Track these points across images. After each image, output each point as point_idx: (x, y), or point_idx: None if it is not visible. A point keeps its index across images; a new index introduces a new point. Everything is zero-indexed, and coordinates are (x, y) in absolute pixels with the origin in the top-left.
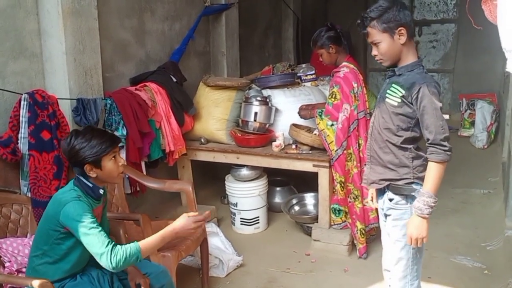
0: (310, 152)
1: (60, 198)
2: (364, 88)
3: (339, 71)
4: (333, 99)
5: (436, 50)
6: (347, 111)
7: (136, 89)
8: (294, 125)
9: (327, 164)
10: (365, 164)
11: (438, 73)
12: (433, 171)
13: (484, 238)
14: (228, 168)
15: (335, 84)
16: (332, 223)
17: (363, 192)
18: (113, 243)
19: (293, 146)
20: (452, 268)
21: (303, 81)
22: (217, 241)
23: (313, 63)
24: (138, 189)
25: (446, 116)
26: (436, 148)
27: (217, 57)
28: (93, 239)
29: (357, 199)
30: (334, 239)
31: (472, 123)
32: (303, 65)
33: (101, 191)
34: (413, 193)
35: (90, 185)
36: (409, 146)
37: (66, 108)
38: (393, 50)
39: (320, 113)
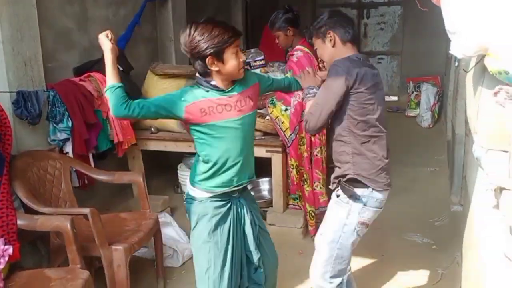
0: (263, 137)
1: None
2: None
3: (293, 55)
4: None
5: (384, 32)
6: (299, 96)
7: (80, 80)
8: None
9: (280, 149)
10: (316, 149)
11: (387, 56)
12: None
13: (432, 214)
14: (181, 157)
15: (289, 69)
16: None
17: (312, 175)
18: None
19: None
20: (403, 245)
21: (252, 67)
22: (171, 231)
23: (262, 48)
24: (86, 182)
25: (395, 98)
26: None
27: (165, 44)
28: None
29: (306, 183)
30: (289, 222)
31: (418, 104)
32: (252, 50)
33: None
34: (355, 196)
35: (213, 83)
36: (348, 140)
37: (5, 101)
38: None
39: (272, 101)
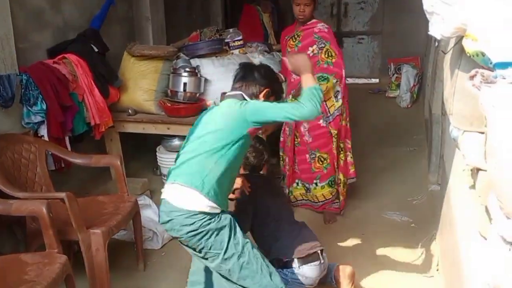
0: None
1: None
2: None
3: (315, 27)
4: (331, 58)
5: (364, 11)
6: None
7: (54, 62)
8: (225, 93)
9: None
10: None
11: (368, 36)
12: None
13: (411, 193)
14: (159, 139)
15: (325, 40)
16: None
17: (346, 146)
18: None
19: None
20: (383, 224)
21: (231, 48)
22: (151, 213)
23: (241, 28)
24: (63, 165)
25: (376, 80)
26: None
27: (141, 23)
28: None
29: (341, 152)
30: None
31: (398, 85)
32: (230, 30)
33: None
34: None
35: None
36: None
37: None
38: None
39: (324, 76)
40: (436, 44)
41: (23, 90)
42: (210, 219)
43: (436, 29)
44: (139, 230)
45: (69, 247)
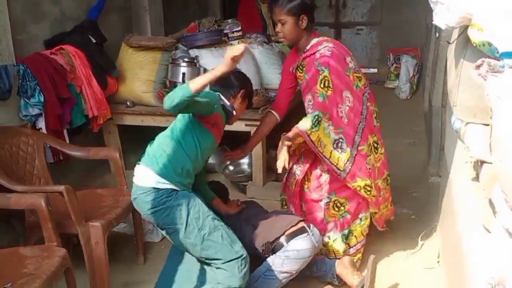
0: None
1: None
2: None
3: (317, 51)
4: (326, 89)
5: (363, 2)
6: (349, 100)
7: (51, 53)
8: None
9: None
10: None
11: (367, 26)
12: None
13: (410, 185)
14: (159, 131)
15: (324, 66)
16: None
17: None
18: None
19: None
20: None
21: (230, 39)
22: None
23: (240, 19)
24: (61, 158)
25: (375, 70)
26: None
27: (139, 13)
28: None
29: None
30: (269, 195)
31: (397, 76)
32: (229, 21)
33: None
34: None
35: (228, 103)
36: None
37: None
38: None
39: (315, 122)
40: (437, 34)
41: (20, 81)
42: (167, 196)
43: (441, 19)
44: (139, 223)
45: (68, 240)
